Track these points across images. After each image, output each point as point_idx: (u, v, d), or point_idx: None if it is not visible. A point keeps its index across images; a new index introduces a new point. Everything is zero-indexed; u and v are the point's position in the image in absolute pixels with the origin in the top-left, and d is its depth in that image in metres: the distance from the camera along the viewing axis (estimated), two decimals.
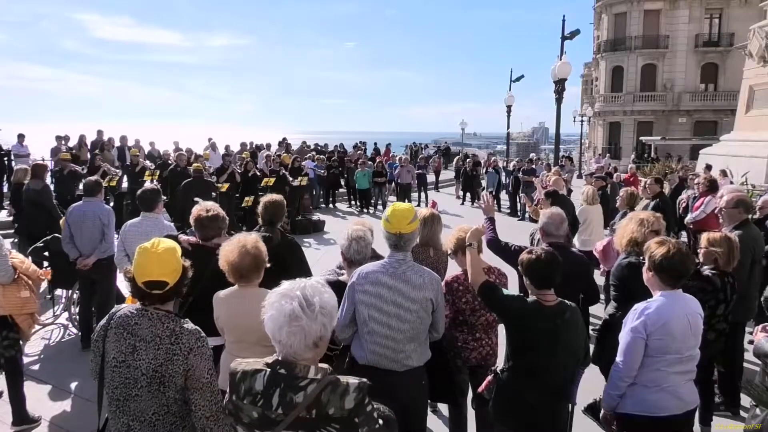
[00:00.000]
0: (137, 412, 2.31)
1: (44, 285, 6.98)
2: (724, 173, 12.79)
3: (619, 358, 3.09)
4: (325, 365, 1.93)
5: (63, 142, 15.51)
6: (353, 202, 17.94)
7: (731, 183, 11.71)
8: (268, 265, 3.24)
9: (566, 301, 3.10)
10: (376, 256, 4.07)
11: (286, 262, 4.02)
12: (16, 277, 4.37)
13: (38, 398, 4.96)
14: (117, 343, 2.34)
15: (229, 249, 3.15)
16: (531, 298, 3.09)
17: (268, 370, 1.88)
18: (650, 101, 38.66)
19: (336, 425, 1.81)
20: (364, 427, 1.83)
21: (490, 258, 3.97)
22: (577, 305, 4.25)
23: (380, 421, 1.92)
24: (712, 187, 8.92)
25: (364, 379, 1.90)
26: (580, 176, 20.14)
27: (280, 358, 1.90)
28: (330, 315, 1.91)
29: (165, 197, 5.85)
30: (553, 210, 4.42)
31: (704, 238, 4.36)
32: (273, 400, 1.83)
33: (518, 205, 16.30)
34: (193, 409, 2.32)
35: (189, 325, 2.40)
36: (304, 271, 4.15)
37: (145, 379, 2.29)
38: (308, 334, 1.84)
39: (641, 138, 36.11)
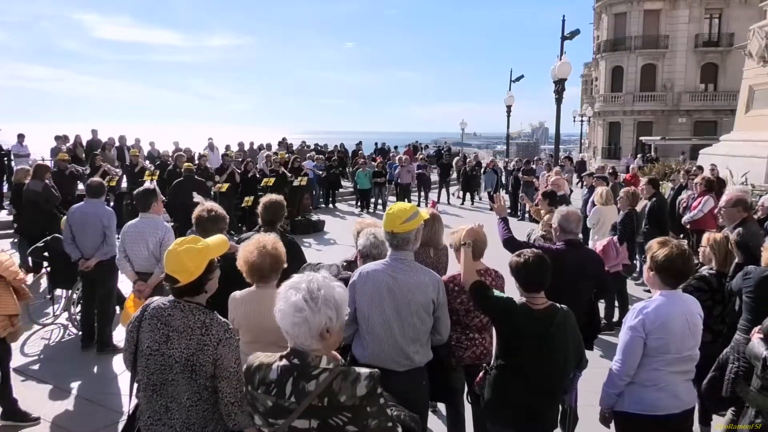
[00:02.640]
0: (175, 395, 2.45)
1: (44, 285, 7.00)
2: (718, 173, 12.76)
3: (617, 357, 3.10)
4: (338, 356, 2.02)
5: (64, 143, 15.54)
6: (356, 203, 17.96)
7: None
8: (286, 265, 3.26)
9: (557, 304, 3.11)
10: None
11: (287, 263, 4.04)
12: None
13: (38, 398, 4.97)
14: (151, 333, 2.45)
15: (249, 250, 3.17)
16: (520, 300, 3.10)
17: (283, 360, 1.95)
18: (650, 101, 38.65)
19: (348, 413, 1.86)
20: (375, 419, 1.88)
21: (488, 259, 3.97)
22: (591, 299, 4.33)
23: (399, 426, 1.96)
24: (710, 187, 8.92)
25: (376, 369, 1.96)
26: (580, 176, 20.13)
27: (293, 349, 1.97)
28: (336, 308, 1.96)
29: (164, 198, 5.85)
30: (570, 209, 4.59)
31: (705, 238, 4.37)
32: (286, 389, 1.90)
33: (518, 205, 16.29)
34: (220, 396, 2.46)
35: (218, 317, 2.53)
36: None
37: (178, 366, 2.43)
38: (312, 325, 1.91)
39: (641, 138, 36.10)
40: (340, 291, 2.00)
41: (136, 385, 2.58)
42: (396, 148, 28.08)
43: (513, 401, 3.08)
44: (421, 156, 23.65)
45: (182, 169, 10.72)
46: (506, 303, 3.10)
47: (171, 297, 2.53)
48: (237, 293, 3.23)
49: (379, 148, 27.07)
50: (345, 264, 4.16)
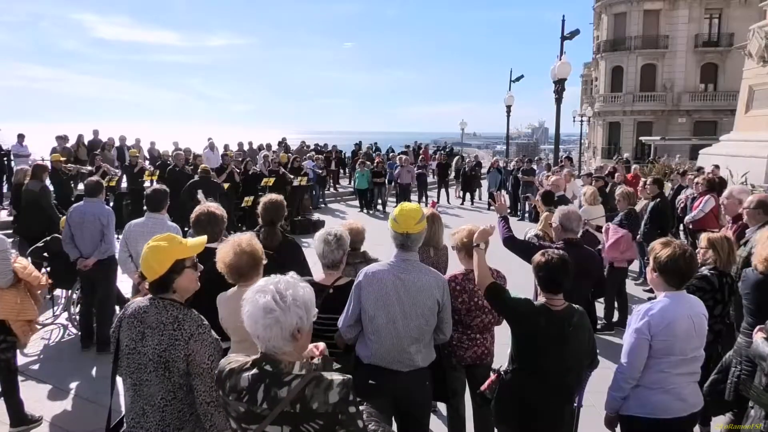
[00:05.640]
0: (149, 396, 2.43)
1: None
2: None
3: (623, 360, 3.08)
4: (313, 362, 1.98)
5: (64, 143, 15.53)
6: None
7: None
8: (265, 261, 3.25)
9: (574, 305, 3.10)
10: (368, 260, 4.05)
11: (287, 263, 4.03)
12: (15, 282, 4.32)
13: (38, 398, 4.97)
14: (129, 331, 2.47)
15: (225, 250, 3.15)
16: (539, 301, 3.09)
17: (254, 368, 1.93)
18: (650, 101, 38.67)
19: (320, 421, 1.84)
20: (344, 429, 1.86)
21: (488, 259, 3.96)
22: (588, 298, 4.34)
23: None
24: (711, 186, 8.93)
25: (349, 376, 1.95)
26: (579, 176, 20.14)
27: (264, 354, 1.95)
28: (305, 307, 1.95)
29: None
30: (570, 208, 4.67)
31: (704, 238, 4.37)
32: (258, 396, 1.88)
33: (518, 204, 16.31)
34: (196, 395, 2.42)
35: (193, 313, 2.51)
36: (304, 271, 4.15)
37: (152, 364, 2.41)
38: (284, 326, 1.90)
39: (641, 138, 36.12)
40: (308, 291, 2.00)
41: (118, 386, 2.58)
42: (408, 147, 28.37)
43: (530, 404, 3.06)
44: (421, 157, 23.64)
45: (199, 171, 10.67)
46: (525, 305, 3.08)
47: (149, 296, 2.54)
48: (224, 293, 3.22)
49: (412, 148, 27.18)
50: None
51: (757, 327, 3.32)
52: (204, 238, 2.78)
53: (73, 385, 5.32)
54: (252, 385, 1.90)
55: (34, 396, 4.93)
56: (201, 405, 2.41)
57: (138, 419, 2.46)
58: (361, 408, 1.96)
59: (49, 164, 12.45)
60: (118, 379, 2.59)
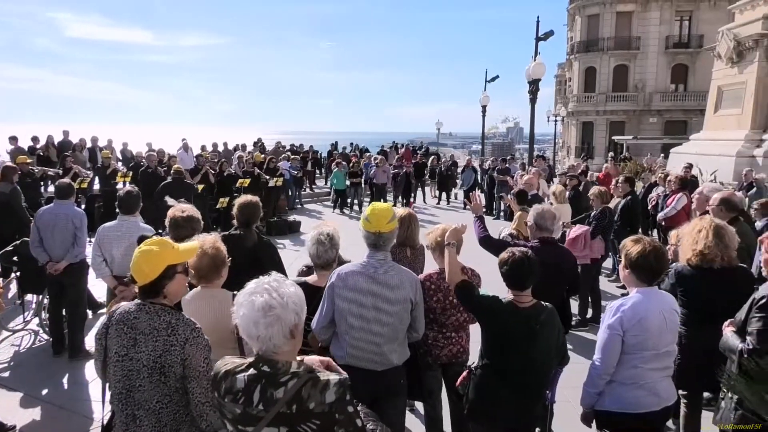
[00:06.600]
0: (141, 401, 2.42)
1: (14, 290, 6.83)
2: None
3: (596, 356, 3.13)
4: (305, 362, 1.97)
5: (15, 143, 15.01)
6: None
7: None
8: (228, 263, 3.23)
9: (542, 302, 3.14)
10: (341, 262, 4.03)
11: (262, 263, 3.99)
12: None
13: (9, 406, 4.86)
14: (118, 338, 2.44)
15: None
16: (506, 298, 3.12)
17: (251, 368, 1.92)
18: (622, 101, 39.23)
19: (316, 421, 1.84)
20: (342, 428, 1.85)
21: (464, 258, 3.98)
22: (563, 296, 4.39)
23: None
24: (683, 185, 9.10)
25: (345, 375, 1.95)
26: (557, 175, 20.36)
27: (260, 356, 1.94)
28: (300, 305, 1.97)
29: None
30: (544, 207, 4.66)
31: (673, 235, 4.45)
32: (254, 397, 1.87)
33: (493, 203, 16.42)
34: (191, 397, 2.44)
35: (185, 317, 2.51)
36: (279, 272, 4.12)
37: (146, 370, 2.40)
38: (284, 323, 1.90)
39: (613, 137, 36.65)
40: (298, 289, 2.01)
41: (108, 393, 2.55)
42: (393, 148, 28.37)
43: (499, 400, 3.10)
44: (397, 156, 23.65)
45: (172, 172, 10.51)
46: (492, 302, 3.11)
47: (137, 300, 2.52)
48: (186, 295, 3.21)
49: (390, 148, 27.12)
50: (305, 269, 4.00)
51: (728, 321, 3.39)
52: (196, 243, 2.79)
53: (45, 392, 5.20)
54: (248, 386, 1.88)
55: (5, 405, 4.83)
56: (197, 406, 2.43)
57: (126, 426, 2.44)
58: (358, 408, 1.96)
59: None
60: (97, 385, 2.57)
